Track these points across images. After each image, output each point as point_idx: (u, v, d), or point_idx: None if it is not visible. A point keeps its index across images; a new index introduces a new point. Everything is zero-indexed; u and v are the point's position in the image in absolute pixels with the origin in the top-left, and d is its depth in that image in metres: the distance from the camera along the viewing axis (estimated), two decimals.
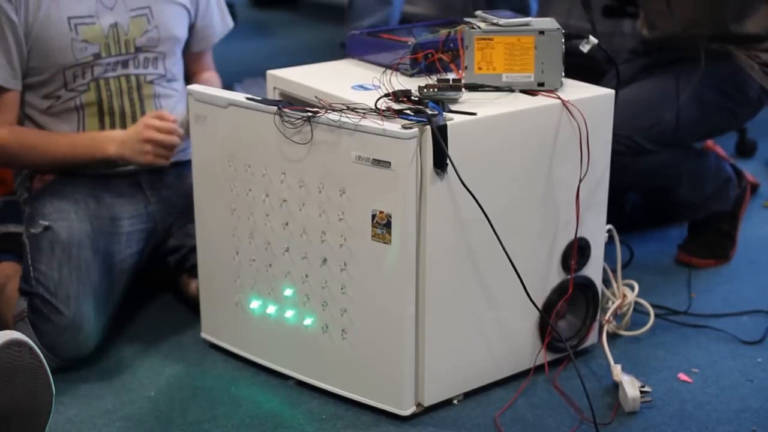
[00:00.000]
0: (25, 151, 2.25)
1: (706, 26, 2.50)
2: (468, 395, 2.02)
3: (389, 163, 1.79)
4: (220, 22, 2.48)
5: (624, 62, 2.69)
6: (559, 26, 1.97)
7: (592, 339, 2.17)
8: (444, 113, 1.83)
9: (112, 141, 2.24)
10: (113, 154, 2.23)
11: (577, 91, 2.01)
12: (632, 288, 2.24)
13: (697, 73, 2.41)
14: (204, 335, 2.23)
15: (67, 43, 2.21)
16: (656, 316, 2.27)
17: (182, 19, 2.37)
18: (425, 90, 1.88)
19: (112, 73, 2.28)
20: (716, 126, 2.59)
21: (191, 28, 2.42)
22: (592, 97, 2.00)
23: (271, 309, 2.05)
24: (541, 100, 1.95)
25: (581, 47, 2.07)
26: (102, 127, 2.31)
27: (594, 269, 2.12)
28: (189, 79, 2.51)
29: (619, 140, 2.35)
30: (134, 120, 2.32)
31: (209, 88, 2.10)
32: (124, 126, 2.31)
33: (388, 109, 1.83)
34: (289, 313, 2.02)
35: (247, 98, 1.97)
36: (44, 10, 2.19)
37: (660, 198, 2.72)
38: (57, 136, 2.26)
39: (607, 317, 2.17)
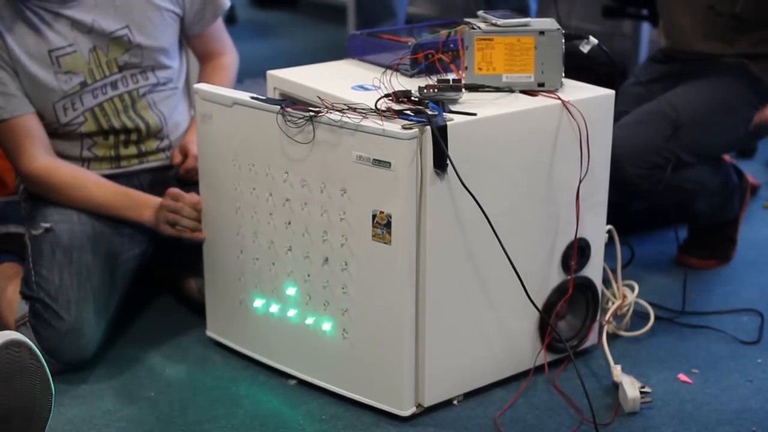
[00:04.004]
0: (56, 192, 2.21)
1: (720, 47, 2.52)
2: (468, 396, 2.02)
3: (389, 163, 1.79)
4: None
5: (642, 68, 2.73)
6: (559, 26, 1.97)
7: (592, 339, 2.17)
8: (444, 114, 1.83)
9: (148, 206, 2.21)
10: (147, 220, 2.21)
11: (577, 91, 2.01)
12: (632, 288, 2.24)
13: (724, 85, 2.44)
14: (209, 333, 2.23)
15: (51, 77, 2.19)
16: (656, 316, 2.28)
17: (167, 26, 2.30)
18: (425, 90, 1.88)
19: (103, 97, 2.25)
20: (743, 136, 2.58)
21: (182, 19, 2.34)
22: (592, 98, 2.00)
23: (274, 308, 2.06)
24: (541, 101, 1.95)
25: (581, 47, 2.07)
26: (116, 145, 2.30)
27: (594, 270, 2.12)
28: (205, 59, 2.46)
29: (662, 154, 2.36)
30: (138, 131, 2.30)
31: (215, 87, 2.10)
32: (127, 137, 2.29)
33: (389, 109, 1.83)
34: (292, 312, 2.03)
35: (252, 97, 1.97)
36: (24, 46, 2.16)
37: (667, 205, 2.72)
38: (92, 186, 2.22)
39: (607, 318, 2.17)
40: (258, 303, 2.08)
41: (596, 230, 2.10)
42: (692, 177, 2.44)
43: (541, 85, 1.98)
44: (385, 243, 1.84)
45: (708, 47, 2.54)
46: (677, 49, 2.63)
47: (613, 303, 2.21)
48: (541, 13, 3.80)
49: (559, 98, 1.95)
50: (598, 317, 2.16)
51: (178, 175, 2.34)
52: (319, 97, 1.92)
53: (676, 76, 2.58)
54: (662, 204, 2.67)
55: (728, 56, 2.52)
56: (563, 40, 1.96)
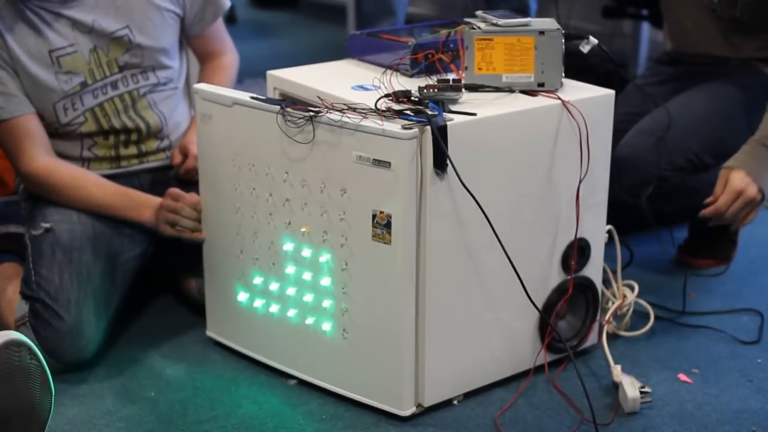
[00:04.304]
0: (56, 192, 2.21)
1: (726, 50, 2.52)
2: (468, 396, 2.02)
3: (389, 163, 1.79)
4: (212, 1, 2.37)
5: (648, 70, 2.73)
6: (559, 26, 1.97)
7: (592, 339, 2.17)
8: (444, 114, 1.83)
9: (148, 207, 2.21)
10: (147, 220, 2.21)
11: (577, 91, 2.01)
12: (632, 288, 2.24)
13: (736, 86, 2.43)
14: (209, 333, 2.23)
15: (51, 77, 2.18)
16: (656, 316, 2.28)
17: (168, 27, 2.30)
18: (425, 90, 1.88)
19: (104, 97, 2.25)
20: None
21: (182, 19, 2.34)
22: (592, 98, 2.00)
23: (274, 308, 2.06)
24: (541, 101, 1.95)
25: (581, 47, 2.07)
26: (117, 145, 2.30)
27: (594, 270, 2.12)
28: (205, 59, 2.46)
29: (685, 156, 2.35)
30: (138, 131, 2.30)
31: (215, 87, 2.10)
32: (127, 137, 2.29)
33: (389, 109, 1.83)
34: (292, 312, 2.03)
35: (252, 97, 1.97)
36: (24, 46, 2.16)
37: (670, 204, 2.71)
38: (92, 186, 2.21)
39: (607, 318, 2.17)
40: (258, 303, 2.08)
41: (596, 230, 2.10)
42: (710, 179, 2.43)
43: (541, 85, 1.98)
44: (385, 243, 1.84)
45: (713, 50, 2.54)
46: (683, 51, 2.63)
47: (613, 303, 2.21)
48: (541, 13, 3.80)
49: (559, 98, 1.95)
50: (598, 317, 2.16)
51: (178, 175, 2.34)
52: (319, 97, 1.92)
53: (683, 77, 2.58)
54: (679, 207, 2.67)
55: (735, 60, 2.52)
56: (563, 40, 1.96)
